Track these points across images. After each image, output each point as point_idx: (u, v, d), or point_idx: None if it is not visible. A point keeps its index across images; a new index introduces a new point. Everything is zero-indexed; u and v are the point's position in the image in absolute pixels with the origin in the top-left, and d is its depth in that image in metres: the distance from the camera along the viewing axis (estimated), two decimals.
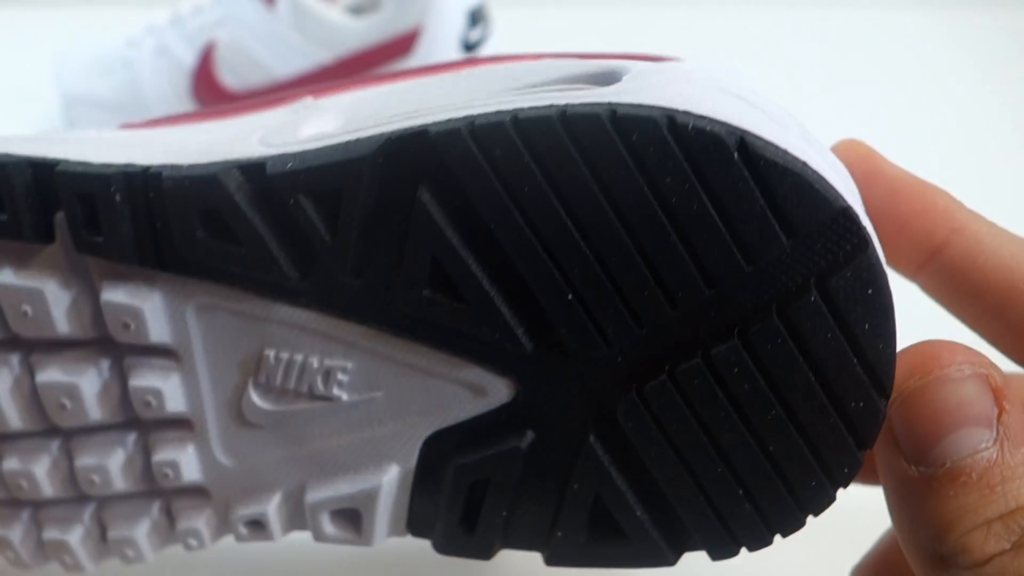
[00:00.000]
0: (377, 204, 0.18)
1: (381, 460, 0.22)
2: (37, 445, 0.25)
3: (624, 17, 0.67)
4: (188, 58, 0.50)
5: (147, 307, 0.21)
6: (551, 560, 0.21)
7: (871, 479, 0.25)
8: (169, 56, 0.50)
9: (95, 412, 0.23)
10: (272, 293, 0.20)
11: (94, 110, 0.52)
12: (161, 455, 0.23)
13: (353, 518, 0.23)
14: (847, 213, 0.17)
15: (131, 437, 0.24)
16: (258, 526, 0.24)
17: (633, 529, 0.20)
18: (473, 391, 0.20)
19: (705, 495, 0.19)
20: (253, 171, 0.19)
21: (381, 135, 0.18)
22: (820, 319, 0.17)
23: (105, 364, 0.23)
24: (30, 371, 0.23)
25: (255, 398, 0.22)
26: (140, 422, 0.24)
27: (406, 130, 0.18)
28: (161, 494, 0.25)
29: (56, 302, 0.22)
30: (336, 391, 0.21)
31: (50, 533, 0.26)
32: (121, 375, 0.23)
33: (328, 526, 0.23)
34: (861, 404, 0.18)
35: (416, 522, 0.22)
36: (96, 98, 0.52)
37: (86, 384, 0.23)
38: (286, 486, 0.23)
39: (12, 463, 0.25)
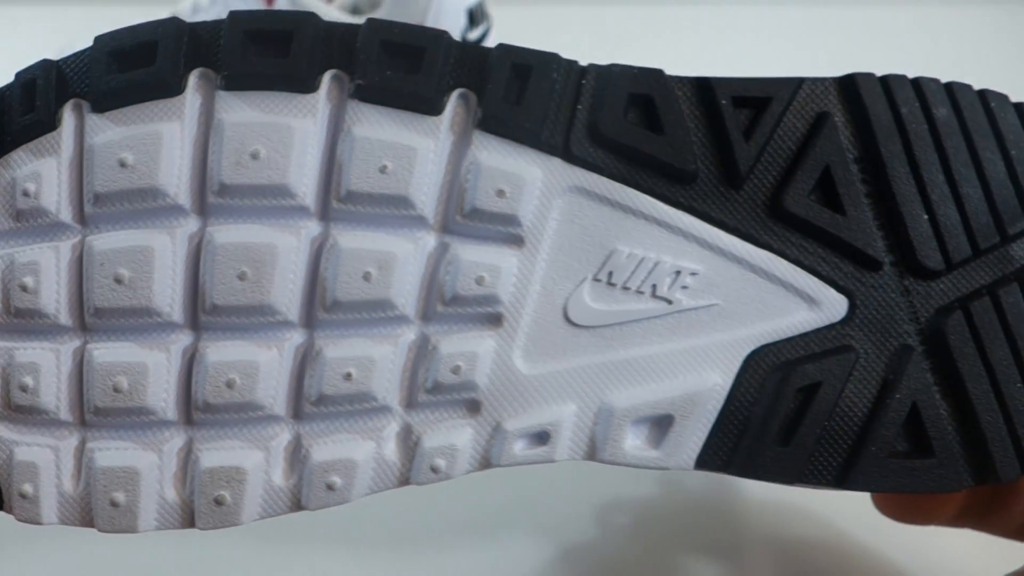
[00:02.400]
0: (792, 117, 0.23)
1: (701, 369, 0.23)
2: (284, 330, 0.23)
3: (625, 15, 0.66)
4: None
5: (528, 178, 0.23)
6: (854, 481, 0.23)
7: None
8: None
9: (397, 292, 0.23)
10: (657, 188, 0.23)
11: None
12: (456, 347, 0.23)
13: (658, 431, 0.23)
14: None
15: (417, 326, 0.23)
16: (540, 440, 0.23)
17: (941, 442, 0.23)
18: (808, 303, 0.23)
19: (1004, 411, 0.23)
20: (690, 79, 0.23)
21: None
22: None
23: (430, 240, 0.23)
24: (324, 238, 0.23)
25: (588, 296, 0.23)
26: (435, 311, 0.23)
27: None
28: (410, 405, 0.23)
29: (422, 161, 0.23)
30: (678, 295, 0.23)
31: (214, 458, 0.22)
32: (441, 255, 0.23)
33: (630, 439, 0.23)
34: None
35: (717, 441, 0.23)
36: None
37: (401, 256, 0.23)
38: (584, 397, 0.23)
39: (232, 352, 0.23)
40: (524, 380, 0.23)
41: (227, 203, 0.23)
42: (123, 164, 0.23)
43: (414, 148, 0.23)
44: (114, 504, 0.23)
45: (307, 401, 0.23)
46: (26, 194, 0.23)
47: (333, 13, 0.51)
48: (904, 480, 0.23)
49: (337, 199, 0.23)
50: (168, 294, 0.23)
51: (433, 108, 0.23)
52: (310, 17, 0.23)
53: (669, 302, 0.23)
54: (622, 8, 0.68)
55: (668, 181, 0.23)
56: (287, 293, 0.23)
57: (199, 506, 0.23)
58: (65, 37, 0.56)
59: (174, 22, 0.23)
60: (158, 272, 0.23)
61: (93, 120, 0.23)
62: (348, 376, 0.22)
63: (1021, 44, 0.58)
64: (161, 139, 0.23)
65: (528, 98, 0.23)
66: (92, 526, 0.23)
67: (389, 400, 0.23)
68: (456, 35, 0.52)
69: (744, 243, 0.23)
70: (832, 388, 0.23)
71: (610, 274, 0.23)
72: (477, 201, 0.23)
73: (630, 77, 0.23)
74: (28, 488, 0.23)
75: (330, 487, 0.23)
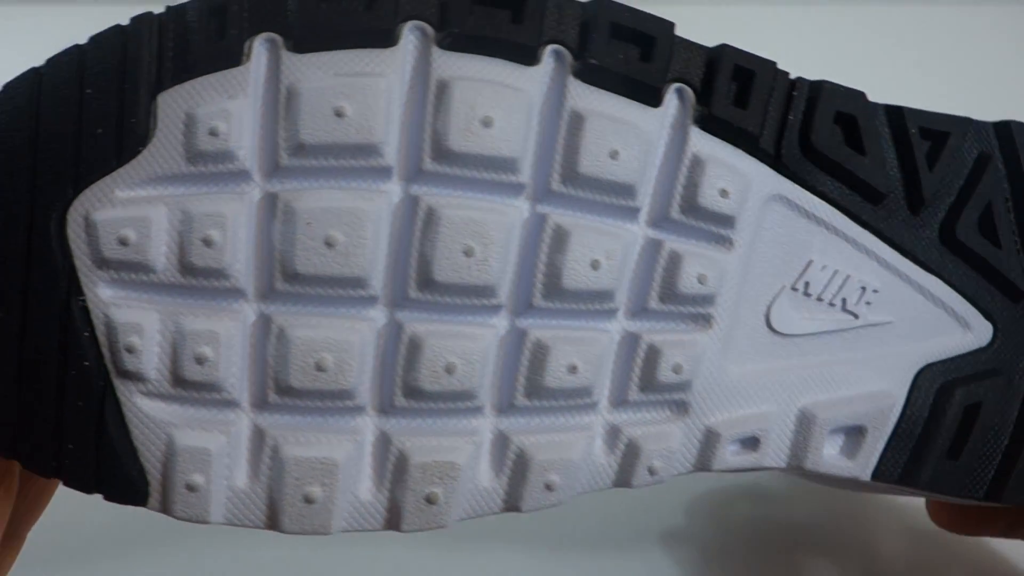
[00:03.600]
0: (959, 153, 0.25)
1: (882, 383, 0.24)
2: (495, 315, 0.21)
3: None
4: None
5: (748, 182, 0.23)
6: (1003, 494, 0.25)
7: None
8: None
9: (618, 285, 0.22)
10: (850, 206, 0.24)
11: None
12: (676, 346, 0.22)
13: (852, 442, 0.23)
14: None
15: (623, 321, 0.22)
16: (751, 446, 0.23)
17: None
18: (963, 327, 0.25)
19: None
20: (882, 105, 0.25)
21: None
22: None
23: (639, 233, 0.22)
24: (542, 221, 0.21)
25: (786, 303, 0.24)
26: (645, 307, 0.22)
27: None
28: (617, 404, 0.22)
29: (648, 151, 0.22)
30: (863, 310, 0.24)
31: (425, 452, 0.21)
32: (655, 249, 0.22)
33: (828, 447, 0.23)
34: None
35: (893, 453, 0.24)
36: None
37: (623, 247, 0.22)
38: (786, 404, 0.23)
39: (450, 335, 0.21)
40: (733, 384, 0.23)
41: (445, 171, 0.21)
42: (339, 114, 0.20)
43: (642, 137, 0.22)
44: (308, 500, 0.20)
45: (518, 393, 0.21)
46: (213, 134, 0.20)
47: None
48: None
49: (560, 181, 0.21)
50: (380, 264, 0.20)
51: (655, 99, 0.22)
52: None
53: (856, 316, 0.24)
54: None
55: (860, 200, 0.24)
56: (507, 275, 0.21)
57: (407, 505, 0.20)
58: (65, 37, 0.50)
59: None
60: (371, 239, 0.20)
61: (293, 60, 0.20)
62: (573, 369, 0.21)
63: (1021, 44, 0.56)
64: (380, 92, 0.20)
65: (751, 103, 0.23)
66: (270, 526, 0.20)
67: (600, 396, 0.22)
68: None
69: (915, 265, 0.25)
70: (990, 407, 0.25)
71: (807, 284, 0.24)
72: (701, 198, 0.22)
73: (839, 95, 0.24)
74: (199, 479, 0.19)
75: (549, 487, 0.21)
